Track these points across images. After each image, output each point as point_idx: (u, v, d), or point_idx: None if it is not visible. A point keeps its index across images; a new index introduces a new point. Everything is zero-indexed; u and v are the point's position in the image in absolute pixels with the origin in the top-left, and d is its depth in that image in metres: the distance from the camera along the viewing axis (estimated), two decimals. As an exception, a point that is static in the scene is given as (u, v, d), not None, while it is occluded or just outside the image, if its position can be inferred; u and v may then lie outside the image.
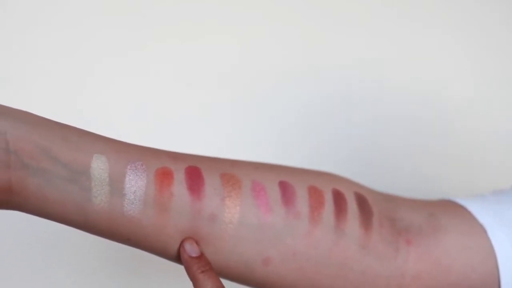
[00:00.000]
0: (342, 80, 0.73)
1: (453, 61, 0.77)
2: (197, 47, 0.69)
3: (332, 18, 0.73)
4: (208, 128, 0.70)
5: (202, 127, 0.69)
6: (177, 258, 0.39)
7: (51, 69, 0.64)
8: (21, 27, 0.64)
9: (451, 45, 0.77)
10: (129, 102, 0.67)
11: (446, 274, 0.44)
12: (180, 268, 0.40)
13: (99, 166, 0.36)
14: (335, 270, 0.41)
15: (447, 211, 0.47)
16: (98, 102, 0.66)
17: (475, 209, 0.47)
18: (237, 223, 0.39)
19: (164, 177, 0.37)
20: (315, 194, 0.41)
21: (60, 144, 0.35)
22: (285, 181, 0.41)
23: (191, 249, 0.38)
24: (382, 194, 0.47)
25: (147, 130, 0.68)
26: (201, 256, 0.38)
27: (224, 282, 0.41)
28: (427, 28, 0.76)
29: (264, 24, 0.71)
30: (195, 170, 0.38)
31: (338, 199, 0.42)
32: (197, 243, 0.38)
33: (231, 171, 0.40)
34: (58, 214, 0.35)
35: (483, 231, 0.46)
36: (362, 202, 0.43)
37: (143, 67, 0.67)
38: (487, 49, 0.78)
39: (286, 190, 0.40)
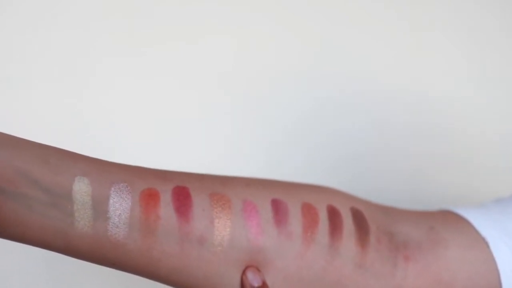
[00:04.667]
0: (341, 81, 0.71)
1: (450, 64, 0.74)
2: (197, 48, 0.66)
3: (331, 19, 0.70)
4: (208, 129, 0.67)
5: (202, 128, 0.67)
6: (167, 281, 0.36)
7: (51, 70, 0.62)
8: (21, 28, 0.61)
9: (449, 48, 0.74)
10: (129, 103, 0.65)
11: None
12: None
13: (82, 189, 0.33)
14: None
15: (448, 224, 0.44)
16: (98, 103, 0.64)
17: (477, 221, 0.44)
18: (227, 246, 0.36)
19: (150, 198, 0.34)
20: (309, 213, 0.38)
21: (40, 167, 0.32)
22: (277, 199, 0.38)
23: (253, 278, 0.36)
24: (380, 206, 0.44)
25: (147, 131, 0.66)
26: (264, 286, 0.36)
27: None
28: (425, 31, 0.73)
29: (264, 26, 0.68)
30: (183, 190, 0.36)
31: (333, 216, 0.39)
32: (258, 270, 0.37)
33: (221, 190, 0.37)
34: (39, 240, 0.33)
35: (485, 244, 0.43)
36: (359, 218, 0.40)
37: (143, 69, 0.65)
38: (486, 52, 0.75)
39: (278, 209, 0.38)
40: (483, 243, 0.43)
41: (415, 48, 0.73)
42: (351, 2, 0.71)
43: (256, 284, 0.36)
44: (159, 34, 0.65)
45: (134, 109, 0.65)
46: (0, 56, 0.61)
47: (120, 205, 0.34)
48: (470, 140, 0.75)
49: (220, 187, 0.37)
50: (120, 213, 0.34)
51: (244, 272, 0.37)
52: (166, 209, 0.35)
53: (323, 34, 0.70)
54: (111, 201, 0.34)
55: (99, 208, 0.33)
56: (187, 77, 0.66)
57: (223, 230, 0.36)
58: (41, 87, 0.62)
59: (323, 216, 0.39)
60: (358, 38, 0.71)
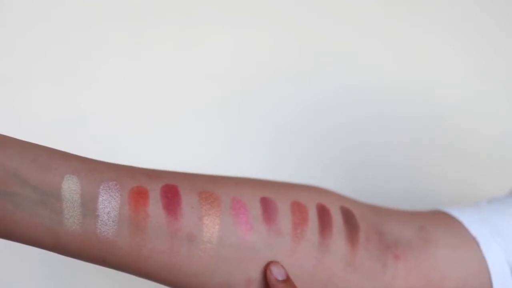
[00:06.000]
0: (336, 80, 0.70)
1: (448, 61, 0.73)
2: (196, 50, 0.66)
3: (326, 19, 0.70)
4: (207, 129, 0.67)
5: (201, 128, 0.67)
6: (158, 279, 0.36)
7: (52, 71, 0.62)
8: (24, 29, 0.62)
9: (447, 45, 0.73)
10: (129, 103, 0.65)
11: None
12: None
13: (71, 187, 0.33)
14: None
15: (438, 223, 0.44)
16: (98, 104, 0.64)
17: (468, 220, 0.44)
18: (217, 243, 0.36)
19: (139, 196, 0.34)
20: (298, 210, 0.38)
21: (29, 165, 0.32)
22: (267, 198, 0.38)
23: (278, 272, 0.36)
24: (371, 206, 0.44)
25: (147, 131, 0.66)
26: (288, 280, 0.36)
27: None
28: (422, 28, 0.72)
29: (261, 27, 0.68)
30: (172, 188, 0.36)
31: (323, 214, 0.39)
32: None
33: (210, 189, 0.37)
34: (28, 238, 0.33)
35: (476, 243, 0.43)
36: (349, 217, 0.40)
37: (143, 70, 0.65)
38: (484, 49, 0.74)
39: (267, 207, 0.38)
40: (474, 242, 0.43)
41: (415, 48, 0.73)
42: (346, 4, 0.70)
43: (280, 278, 0.36)
44: (158, 36, 0.65)
45: (134, 109, 0.65)
46: (1, 56, 0.61)
47: (109, 203, 0.34)
48: (470, 139, 0.74)
49: (210, 186, 0.37)
50: (109, 211, 0.34)
51: (268, 267, 0.37)
52: (155, 206, 0.35)
53: (318, 35, 0.70)
54: (100, 199, 0.34)
55: (88, 206, 0.33)
56: (185, 79, 0.66)
57: (212, 227, 0.36)
58: (41, 87, 0.62)
59: (312, 214, 0.39)
60: (352, 39, 0.71)
